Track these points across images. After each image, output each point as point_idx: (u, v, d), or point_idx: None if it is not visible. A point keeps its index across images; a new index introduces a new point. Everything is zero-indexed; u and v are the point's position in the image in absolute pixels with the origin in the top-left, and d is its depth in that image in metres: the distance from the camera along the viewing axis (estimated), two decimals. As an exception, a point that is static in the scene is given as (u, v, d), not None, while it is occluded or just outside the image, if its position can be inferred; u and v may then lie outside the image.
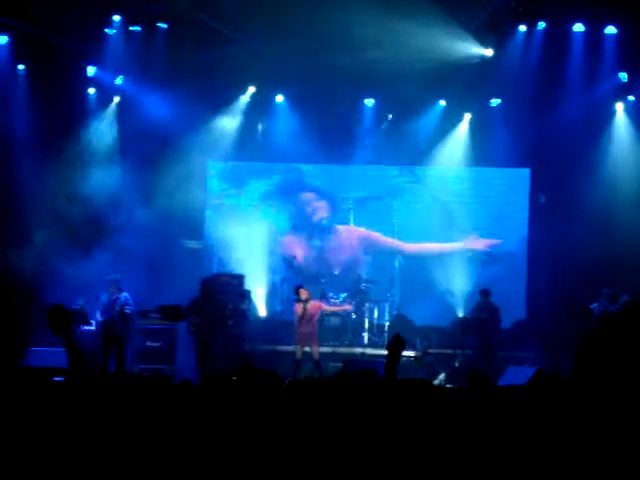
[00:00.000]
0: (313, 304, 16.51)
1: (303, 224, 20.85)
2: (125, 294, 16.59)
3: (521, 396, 4.62)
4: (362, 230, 20.67)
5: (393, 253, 20.32)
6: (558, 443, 4.07)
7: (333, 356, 17.52)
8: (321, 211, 20.78)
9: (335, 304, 18.41)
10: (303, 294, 16.40)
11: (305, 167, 20.92)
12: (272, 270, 20.19)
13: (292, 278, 19.46)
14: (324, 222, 20.76)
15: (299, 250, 20.63)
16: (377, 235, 20.52)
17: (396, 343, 5.70)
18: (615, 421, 3.93)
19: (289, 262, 20.11)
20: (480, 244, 20.06)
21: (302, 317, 16.27)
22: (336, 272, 20.12)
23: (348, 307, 18.57)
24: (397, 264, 20.13)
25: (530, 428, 4.26)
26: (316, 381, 4.67)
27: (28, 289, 17.81)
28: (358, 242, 20.59)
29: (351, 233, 20.70)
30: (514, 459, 4.17)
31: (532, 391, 4.77)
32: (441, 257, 19.89)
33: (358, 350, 18.09)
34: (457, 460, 4.19)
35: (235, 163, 20.96)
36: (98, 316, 16.61)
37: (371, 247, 20.55)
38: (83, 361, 5.33)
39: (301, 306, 16.32)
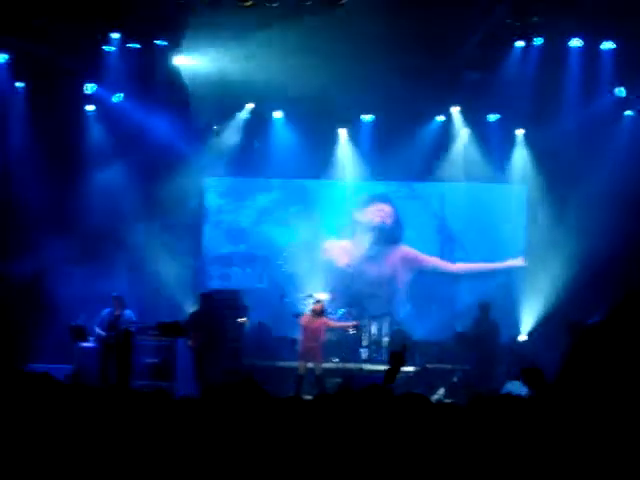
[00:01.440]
0: (320, 320, 16.54)
1: (355, 226, 20.59)
2: (128, 311, 16.67)
3: (517, 408, 4.63)
4: (409, 249, 20.41)
5: (437, 273, 20.15)
6: (555, 453, 4.09)
7: (332, 372, 17.51)
8: (386, 214, 20.60)
9: (333, 320, 18.33)
10: (316, 307, 16.46)
11: (304, 182, 20.91)
12: (271, 285, 20.16)
13: (290, 294, 19.51)
14: (386, 226, 20.55)
15: (344, 256, 20.44)
16: (423, 256, 20.30)
17: (399, 355, 5.74)
18: (608, 422, 3.96)
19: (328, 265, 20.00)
20: (517, 262, 19.98)
21: (307, 330, 16.31)
22: (375, 286, 19.89)
23: (354, 324, 18.41)
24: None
25: (525, 439, 4.28)
26: (320, 396, 4.69)
27: (30, 302, 17.82)
28: (402, 260, 20.36)
29: (399, 251, 20.49)
30: (512, 471, 4.19)
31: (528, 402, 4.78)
32: (442, 273, 19.90)
33: (357, 366, 18.08)
34: (457, 474, 4.20)
35: (233, 179, 20.97)
36: (99, 331, 16.63)
37: (416, 266, 20.32)
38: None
39: (308, 318, 16.37)
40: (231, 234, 20.59)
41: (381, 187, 20.64)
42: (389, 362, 5.79)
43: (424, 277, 20.09)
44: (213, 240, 20.74)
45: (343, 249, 20.55)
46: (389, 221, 20.59)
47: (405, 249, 20.43)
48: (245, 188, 20.99)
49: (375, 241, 20.47)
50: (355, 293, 19.47)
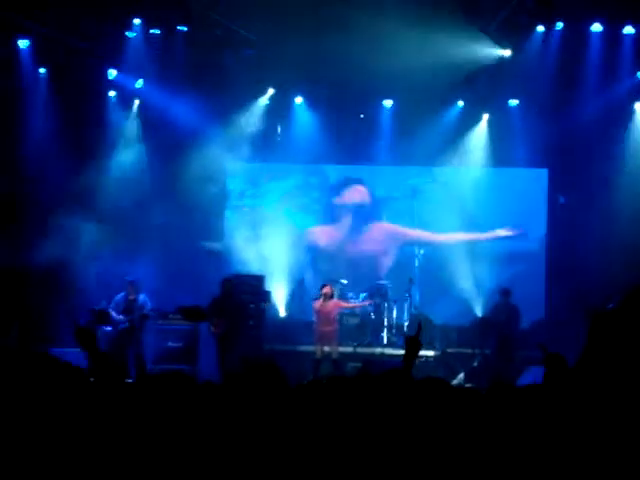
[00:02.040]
0: (331, 303, 16.59)
1: (338, 210, 20.91)
2: (143, 295, 16.70)
3: (537, 394, 4.67)
4: (389, 225, 20.67)
5: (422, 245, 20.24)
6: (572, 440, 4.14)
7: (352, 356, 17.59)
8: (363, 195, 20.81)
9: (346, 302, 18.32)
10: (326, 290, 16.51)
11: (324, 168, 20.98)
12: (292, 271, 20.24)
13: (311, 278, 19.62)
14: (364, 206, 20.81)
15: (324, 238, 20.73)
16: (404, 229, 20.52)
17: (414, 339, 5.77)
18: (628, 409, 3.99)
19: (312, 250, 20.23)
20: (505, 232, 20.05)
21: (320, 314, 16.38)
22: (359, 266, 20.10)
23: (367, 303, 18.56)
24: (417, 263, 20.12)
25: (544, 427, 4.32)
26: (338, 380, 4.73)
27: (51, 287, 17.94)
28: (385, 236, 20.58)
29: (379, 228, 20.73)
30: (530, 457, 4.23)
31: (546, 387, 4.82)
32: (461, 256, 19.88)
33: (377, 350, 18.15)
34: (473, 460, 4.25)
35: (255, 164, 21.03)
36: (114, 315, 16.70)
37: (399, 241, 20.52)
38: (107, 364, 5.41)
39: (320, 302, 16.43)
40: (253, 219, 20.65)
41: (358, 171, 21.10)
42: (405, 347, 5.82)
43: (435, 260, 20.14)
44: (235, 224, 20.81)
45: (325, 233, 20.86)
46: (366, 200, 20.84)
47: (386, 225, 20.73)
48: (267, 173, 21.05)
49: (354, 220, 20.78)
50: (377, 278, 19.53)
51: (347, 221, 20.91)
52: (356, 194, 20.86)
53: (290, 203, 20.84)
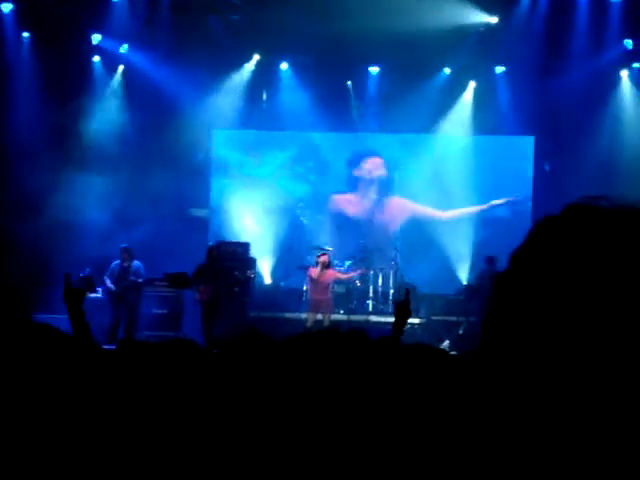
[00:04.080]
0: (328, 272, 16.60)
1: (357, 180, 20.97)
2: (137, 262, 16.72)
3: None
4: (403, 199, 20.71)
5: (433, 222, 20.31)
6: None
7: (339, 324, 17.60)
8: (381, 167, 20.83)
9: (341, 272, 18.38)
10: (323, 259, 16.50)
11: (308, 135, 20.92)
12: (279, 238, 20.23)
13: (298, 245, 19.64)
14: (383, 178, 20.86)
15: (351, 207, 20.81)
16: (413, 204, 20.59)
17: (404, 304, 5.76)
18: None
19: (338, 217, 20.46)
20: (499, 201, 20.19)
21: (316, 283, 16.37)
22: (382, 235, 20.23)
23: (360, 272, 18.55)
24: (400, 230, 20.22)
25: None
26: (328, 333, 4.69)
27: (35, 255, 17.83)
28: (400, 209, 20.67)
29: (397, 201, 20.79)
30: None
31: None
32: (443, 223, 19.97)
33: (363, 318, 18.18)
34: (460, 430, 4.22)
35: (240, 131, 20.97)
36: (108, 283, 16.71)
37: (409, 214, 20.61)
38: (88, 332, 5.37)
39: (317, 271, 16.40)
40: (242, 186, 20.60)
41: (372, 141, 20.98)
42: (394, 313, 5.80)
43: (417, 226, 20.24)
44: (221, 192, 20.78)
45: (350, 202, 20.71)
46: (384, 172, 20.87)
47: (398, 199, 20.77)
48: (252, 140, 20.99)
49: (377, 192, 20.79)
50: (361, 246, 19.50)
51: (371, 192, 20.91)
52: (376, 166, 20.85)
53: (280, 170, 20.82)
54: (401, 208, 20.67)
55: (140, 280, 16.63)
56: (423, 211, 20.46)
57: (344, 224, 20.49)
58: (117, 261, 16.75)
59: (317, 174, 20.97)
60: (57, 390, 3.89)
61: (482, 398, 1.63)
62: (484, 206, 20.24)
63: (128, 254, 16.69)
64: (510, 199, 20.14)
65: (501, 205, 20.21)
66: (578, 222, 1.55)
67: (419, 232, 20.02)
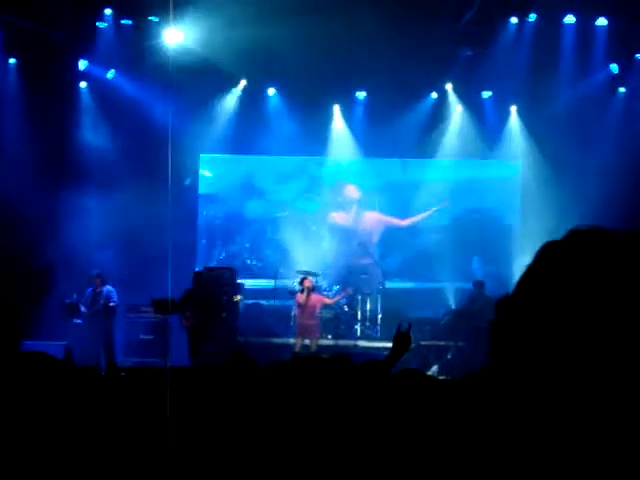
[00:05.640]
0: (314, 297, 16.58)
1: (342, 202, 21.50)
2: (108, 287, 16.90)
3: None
4: (375, 213, 21.21)
5: (395, 229, 20.84)
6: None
7: (327, 348, 17.55)
8: (356, 192, 21.35)
9: (328, 297, 18.34)
10: (307, 284, 16.47)
11: (296, 159, 20.98)
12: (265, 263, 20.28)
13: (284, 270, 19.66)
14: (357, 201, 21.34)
15: (342, 221, 21.43)
16: (387, 217, 21.12)
17: (403, 338, 5.70)
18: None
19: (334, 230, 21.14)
20: (436, 207, 20.50)
21: (304, 308, 16.35)
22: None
23: (345, 293, 18.48)
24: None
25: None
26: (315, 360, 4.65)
27: (23, 280, 17.79)
28: (376, 223, 21.15)
29: (370, 215, 21.29)
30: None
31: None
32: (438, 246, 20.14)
33: (351, 342, 18.13)
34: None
35: (229, 156, 21.00)
36: (82, 309, 16.89)
37: (385, 229, 21.07)
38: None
39: (303, 296, 16.38)
40: (227, 211, 20.68)
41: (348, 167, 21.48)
42: (394, 342, 5.72)
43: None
44: (208, 216, 20.79)
45: (341, 217, 21.32)
46: (359, 195, 21.30)
47: (374, 214, 21.21)
48: (240, 165, 21.02)
49: (358, 212, 21.25)
50: (347, 269, 19.53)
51: (352, 209, 21.33)
52: (353, 192, 21.29)
53: (263, 194, 21.07)
54: (378, 222, 21.13)
55: (111, 304, 16.74)
56: (393, 221, 20.93)
57: (340, 236, 20.94)
58: (91, 287, 16.95)
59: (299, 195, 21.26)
60: (56, 418, 3.86)
61: (492, 423, 1.64)
62: (428, 212, 20.54)
63: (100, 279, 16.94)
64: (435, 209, 20.44)
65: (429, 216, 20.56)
66: (582, 246, 1.57)
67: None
